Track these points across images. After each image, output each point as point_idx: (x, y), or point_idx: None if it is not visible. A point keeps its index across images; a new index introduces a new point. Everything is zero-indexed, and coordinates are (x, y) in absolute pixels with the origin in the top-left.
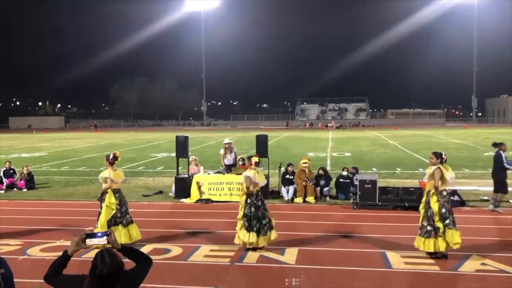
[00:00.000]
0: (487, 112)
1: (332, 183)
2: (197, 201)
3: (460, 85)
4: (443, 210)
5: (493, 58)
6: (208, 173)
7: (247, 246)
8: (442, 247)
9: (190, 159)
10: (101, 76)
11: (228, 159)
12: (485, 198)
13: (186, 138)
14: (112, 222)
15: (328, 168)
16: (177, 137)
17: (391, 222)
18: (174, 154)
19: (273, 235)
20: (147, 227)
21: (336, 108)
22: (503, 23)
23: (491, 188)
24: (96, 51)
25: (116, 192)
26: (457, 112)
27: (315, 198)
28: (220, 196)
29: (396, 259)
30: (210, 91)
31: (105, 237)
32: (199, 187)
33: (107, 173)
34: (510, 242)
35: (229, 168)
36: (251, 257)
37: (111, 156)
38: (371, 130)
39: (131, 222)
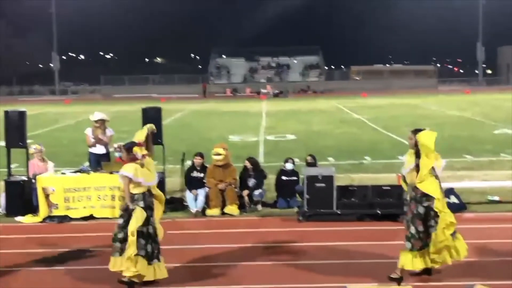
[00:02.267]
0: (499, 68)
1: (270, 183)
2: (44, 219)
3: (460, 28)
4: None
5: None
6: (63, 173)
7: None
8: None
9: (31, 151)
10: None
11: (99, 148)
12: (495, 198)
13: (22, 114)
14: None
15: (261, 159)
16: (6, 112)
17: (355, 240)
18: (2, 143)
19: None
20: None
21: (274, 65)
22: None
23: (505, 183)
24: None
25: None
26: (456, 69)
27: (240, 207)
28: (84, 210)
29: None
30: (66, 38)
31: None
32: (47, 196)
33: None
34: None
35: (98, 163)
36: None
37: None
38: (327, 98)
39: None
